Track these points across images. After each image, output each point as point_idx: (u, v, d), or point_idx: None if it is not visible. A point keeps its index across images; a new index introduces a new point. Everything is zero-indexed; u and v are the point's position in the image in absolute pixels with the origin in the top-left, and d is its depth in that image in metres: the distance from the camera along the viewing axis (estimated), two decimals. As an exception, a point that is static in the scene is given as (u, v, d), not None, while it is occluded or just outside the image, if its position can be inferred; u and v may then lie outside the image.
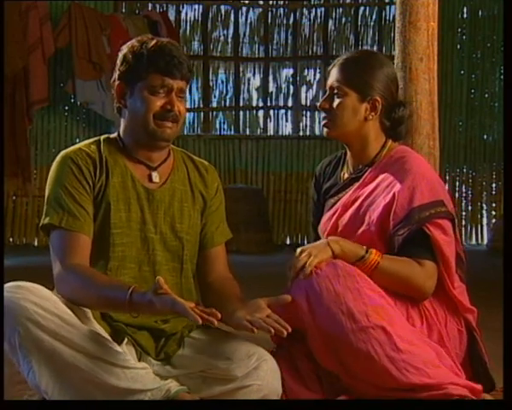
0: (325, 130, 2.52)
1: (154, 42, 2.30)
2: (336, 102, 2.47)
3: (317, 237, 2.58)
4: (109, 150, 2.36)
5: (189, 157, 2.49)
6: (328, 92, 2.50)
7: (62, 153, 2.35)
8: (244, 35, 8.94)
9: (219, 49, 8.93)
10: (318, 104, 2.52)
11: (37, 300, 2.10)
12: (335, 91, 2.47)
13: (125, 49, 2.33)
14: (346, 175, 2.55)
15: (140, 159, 2.36)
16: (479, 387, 2.24)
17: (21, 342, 2.08)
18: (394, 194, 2.35)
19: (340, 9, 8.94)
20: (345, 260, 2.29)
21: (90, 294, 2.16)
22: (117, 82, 2.33)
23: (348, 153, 2.56)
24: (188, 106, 8.47)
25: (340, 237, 2.42)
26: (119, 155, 2.36)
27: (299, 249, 2.30)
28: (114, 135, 2.41)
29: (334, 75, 2.49)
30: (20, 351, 2.09)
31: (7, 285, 2.15)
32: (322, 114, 2.51)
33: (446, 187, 8.47)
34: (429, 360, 2.21)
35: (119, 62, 2.33)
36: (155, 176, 2.36)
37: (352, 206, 2.44)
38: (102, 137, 2.41)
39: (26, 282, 2.17)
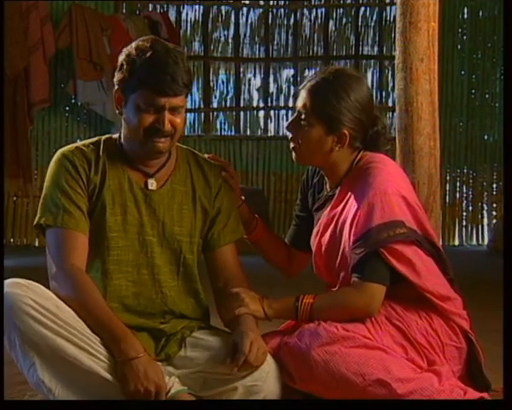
0: (293, 155, 2.47)
1: (149, 53, 2.19)
2: (302, 131, 2.39)
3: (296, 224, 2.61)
4: (108, 151, 2.33)
5: (194, 156, 2.44)
6: (296, 115, 2.42)
7: (59, 151, 2.35)
8: (245, 35, 8.93)
9: (220, 50, 8.92)
10: (286, 125, 2.45)
11: (36, 297, 2.10)
12: (302, 117, 2.39)
13: (123, 53, 2.26)
14: (326, 191, 2.49)
15: (137, 165, 2.32)
16: (485, 395, 2.24)
17: (22, 339, 2.07)
18: (357, 210, 2.28)
19: (341, 10, 8.94)
20: (283, 318, 2.36)
21: (86, 314, 2.15)
22: (115, 87, 2.29)
23: None
24: (188, 106, 8.52)
25: (324, 256, 2.40)
26: (118, 158, 2.33)
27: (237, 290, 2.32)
28: (116, 136, 2.37)
29: (302, 100, 2.40)
30: (21, 348, 2.09)
31: (5, 282, 2.14)
32: (290, 136, 2.44)
33: (444, 187, 8.49)
34: (432, 390, 2.16)
35: (117, 67, 2.27)
36: (151, 183, 2.32)
37: (330, 226, 2.39)
38: (103, 138, 2.38)
39: (23, 279, 2.16)
